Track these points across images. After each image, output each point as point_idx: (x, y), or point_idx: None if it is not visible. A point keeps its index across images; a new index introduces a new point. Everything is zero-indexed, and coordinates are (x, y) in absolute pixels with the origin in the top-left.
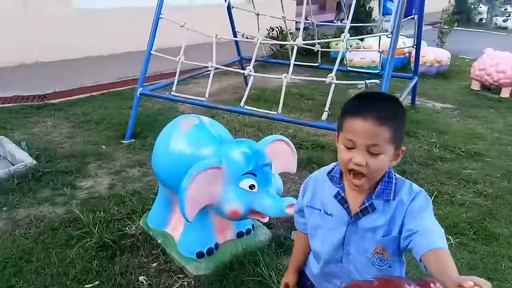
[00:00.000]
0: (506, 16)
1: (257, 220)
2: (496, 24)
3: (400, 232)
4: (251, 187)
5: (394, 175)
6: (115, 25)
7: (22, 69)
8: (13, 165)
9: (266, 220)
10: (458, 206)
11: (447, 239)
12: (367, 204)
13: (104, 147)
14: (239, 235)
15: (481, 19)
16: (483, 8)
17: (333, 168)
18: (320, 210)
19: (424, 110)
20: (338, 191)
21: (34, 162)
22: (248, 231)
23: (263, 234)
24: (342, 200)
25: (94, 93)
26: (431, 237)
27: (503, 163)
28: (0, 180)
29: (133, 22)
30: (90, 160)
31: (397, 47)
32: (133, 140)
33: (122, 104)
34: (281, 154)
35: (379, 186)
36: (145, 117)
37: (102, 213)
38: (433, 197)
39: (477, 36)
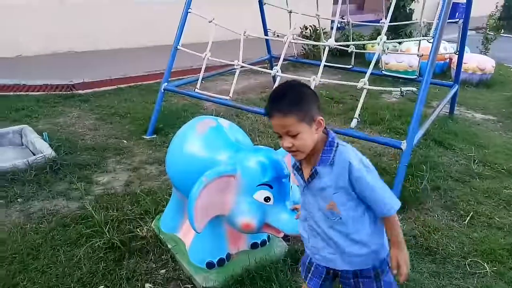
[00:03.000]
0: None
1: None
2: None
3: (352, 190)
4: (266, 199)
5: (337, 143)
6: (148, 17)
7: (55, 58)
8: (34, 154)
9: (281, 235)
10: (496, 230)
11: (482, 266)
12: (313, 171)
13: (125, 141)
14: (253, 246)
15: None
16: None
17: None
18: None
19: (463, 121)
20: (295, 163)
21: (54, 153)
22: (263, 243)
23: (279, 247)
24: (297, 169)
25: (122, 85)
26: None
27: None
28: (18, 170)
29: (166, 15)
30: (110, 155)
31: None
32: (154, 136)
33: (149, 98)
34: None
35: (321, 155)
36: (169, 113)
37: (115, 211)
38: (468, 217)
39: None
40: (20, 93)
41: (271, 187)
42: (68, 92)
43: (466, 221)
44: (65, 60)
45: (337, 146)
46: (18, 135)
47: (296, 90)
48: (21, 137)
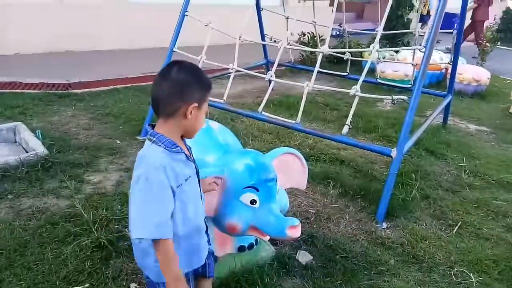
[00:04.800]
0: None
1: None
2: None
3: None
4: (252, 202)
5: None
6: (146, 19)
7: (52, 56)
8: (26, 152)
9: (266, 238)
10: (484, 241)
11: (468, 276)
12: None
13: (118, 141)
14: (240, 249)
15: None
16: None
17: (171, 145)
18: (186, 180)
19: (456, 131)
20: (184, 153)
21: (46, 151)
22: (251, 246)
23: (266, 251)
24: (188, 158)
25: (118, 86)
26: None
27: None
28: (10, 167)
29: (164, 17)
30: (103, 154)
31: (433, 62)
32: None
33: (144, 99)
34: (290, 168)
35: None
36: None
37: (104, 211)
38: (456, 227)
39: None
40: (16, 90)
41: (257, 189)
42: (64, 91)
43: (454, 230)
44: (63, 60)
45: None
46: (11, 132)
47: None
48: (15, 134)
